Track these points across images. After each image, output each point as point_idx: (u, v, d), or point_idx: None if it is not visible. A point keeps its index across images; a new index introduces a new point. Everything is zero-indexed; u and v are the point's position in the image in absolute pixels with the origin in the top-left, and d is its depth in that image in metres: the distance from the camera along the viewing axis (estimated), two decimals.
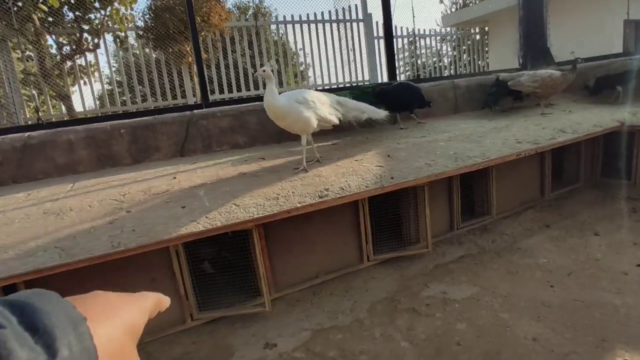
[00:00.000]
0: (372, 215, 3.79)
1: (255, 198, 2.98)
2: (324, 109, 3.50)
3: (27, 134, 3.80)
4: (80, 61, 6.42)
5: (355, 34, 9.40)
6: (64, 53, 6.44)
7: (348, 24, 9.35)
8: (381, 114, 4.24)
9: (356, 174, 3.36)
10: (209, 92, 4.68)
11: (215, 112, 4.50)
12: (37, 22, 5.81)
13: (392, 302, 3.36)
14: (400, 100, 5.05)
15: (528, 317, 3.00)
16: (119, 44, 6.82)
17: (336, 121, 3.69)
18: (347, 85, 8.85)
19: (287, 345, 2.98)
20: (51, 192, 3.41)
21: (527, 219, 4.59)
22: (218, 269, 3.65)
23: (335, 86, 8.82)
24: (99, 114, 5.50)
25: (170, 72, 6.76)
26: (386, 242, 3.99)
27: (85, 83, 6.44)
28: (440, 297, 3.36)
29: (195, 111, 4.44)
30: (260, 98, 4.92)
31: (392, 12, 5.98)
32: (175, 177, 3.50)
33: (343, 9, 9.19)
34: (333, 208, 3.62)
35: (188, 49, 6.45)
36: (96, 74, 6.60)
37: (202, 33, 6.94)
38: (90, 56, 6.47)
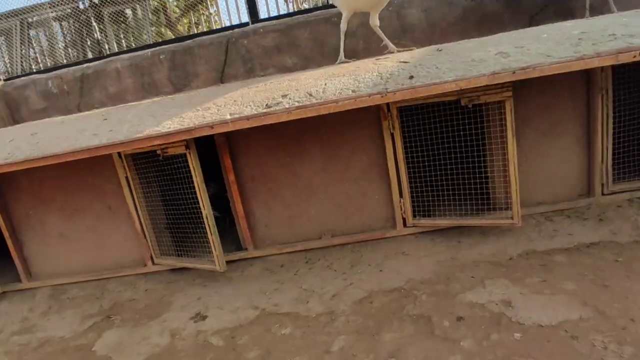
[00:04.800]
0: (417, 154, 2.30)
1: (184, 109, 2.09)
2: None
3: (85, 64, 3.97)
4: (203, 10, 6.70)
5: None
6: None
7: None
8: None
9: (351, 74, 1.99)
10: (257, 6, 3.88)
11: (257, 29, 3.67)
12: None
13: (403, 299, 1.94)
14: None
15: None
16: None
17: None
18: None
19: (217, 322, 2.06)
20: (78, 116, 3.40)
21: None
22: (224, 212, 2.95)
23: None
24: None
25: None
26: (449, 202, 2.41)
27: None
28: (496, 309, 1.72)
29: (235, 30, 3.74)
30: (311, 10, 3.78)
31: None
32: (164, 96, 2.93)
33: None
34: (338, 136, 2.35)
35: None
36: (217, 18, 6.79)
37: None
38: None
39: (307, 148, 2.40)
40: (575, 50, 1.75)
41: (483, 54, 1.87)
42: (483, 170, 2.30)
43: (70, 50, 5.51)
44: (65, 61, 4.90)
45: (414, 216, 2.37)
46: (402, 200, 2.35)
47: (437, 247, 2.31)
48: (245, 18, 4.09)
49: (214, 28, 4.23)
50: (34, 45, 5.51)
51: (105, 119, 2.24)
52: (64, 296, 2.69)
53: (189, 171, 2.18)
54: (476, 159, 2.30)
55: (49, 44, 5.48)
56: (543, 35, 1.96)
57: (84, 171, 2.59)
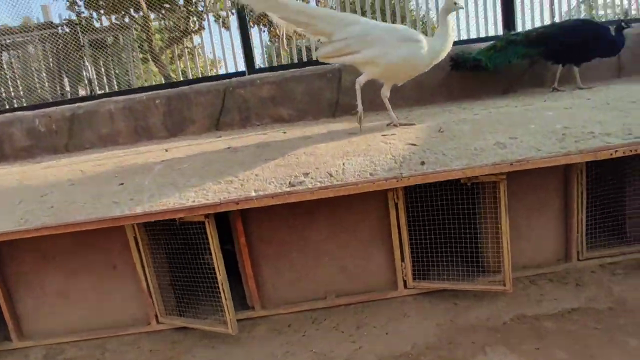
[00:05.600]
0: (417, 221, 2.50)
1: (205, 180, 2.17)
2: None
3: (77, 104, 3.92)
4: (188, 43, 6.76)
5: None
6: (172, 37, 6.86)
7: None
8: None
9: (365, 154, 2.17)
10: (254, 57, 4.04)
11: (254, 80, 3.82)
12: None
13: None
14: (578, 44, 3.44)
15: None
16: (220, 23, 6.93)
17: None
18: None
19: None
20: (65, 161, 3.36)
21: None
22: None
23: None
24: None
25: None
26: (444, 265, 2.62)
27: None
28: None
29: (233, 79, 3.86)
30: (306, 63, 3.99)
31: None
32: (167, 150, 2.98)
33: None
34: (345, 205, 2.51)
35: None
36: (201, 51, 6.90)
37: None
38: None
39: (316, 216, 2.54)
40: (561, 146, 2.03)
41: (482, 142, 2.12)
42: (477, 237, 2.54)
43: (45, 74, 5.36)
44: (38, 86, 4.78)
45: (414, 278, 2.56)
46: (403, 264, 2.53)
47: (435, 309, 2.49)
48: (231, 58, 4.23)
49: (199, 66, 4.31)
50: (7, 70, 5.33)
51: (122, 184, 2.26)
52: (60, 357, 2.61)
53: (206, 236, 2.25)
54: (471, 228, 2.53)
55: (23, 69, 5.33)
56: (531, 125, 2.24)
57: (88, 230, 2.57)
